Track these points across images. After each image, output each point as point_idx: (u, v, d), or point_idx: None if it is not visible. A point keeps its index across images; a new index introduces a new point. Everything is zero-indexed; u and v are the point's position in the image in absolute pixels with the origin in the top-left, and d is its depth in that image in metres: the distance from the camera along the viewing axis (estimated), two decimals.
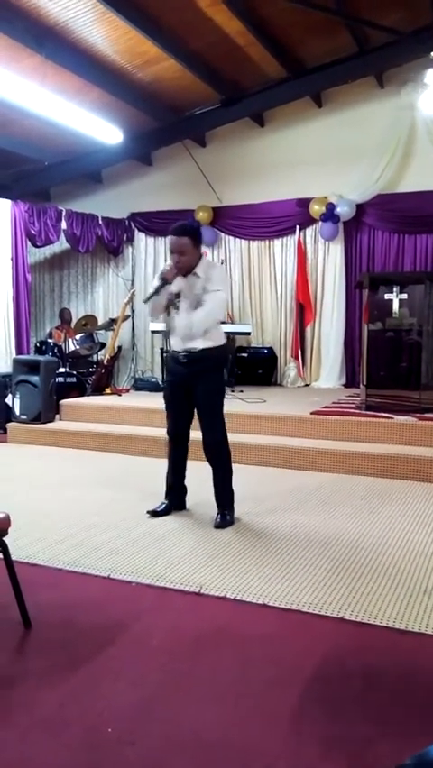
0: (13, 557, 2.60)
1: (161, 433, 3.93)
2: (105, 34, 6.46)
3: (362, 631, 2.60)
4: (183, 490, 4.14)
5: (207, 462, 3.97)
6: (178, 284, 3.81)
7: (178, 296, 3.82)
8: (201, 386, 3.86)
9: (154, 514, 4.02)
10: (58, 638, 2.54)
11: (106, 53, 6.85)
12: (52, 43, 6.37)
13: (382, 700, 2.12)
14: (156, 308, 3.88)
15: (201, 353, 3.82)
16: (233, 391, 7.60)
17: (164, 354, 5.67)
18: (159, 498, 4.10)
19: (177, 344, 3.89)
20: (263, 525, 3.88)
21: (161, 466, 4.07)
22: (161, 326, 4.61)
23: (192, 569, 3.20)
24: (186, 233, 3.73)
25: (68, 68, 6.76)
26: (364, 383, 6.18)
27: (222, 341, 3.95)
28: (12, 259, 7.79)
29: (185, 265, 3.75)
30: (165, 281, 3.71)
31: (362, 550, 3.47)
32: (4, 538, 2.55)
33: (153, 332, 8.77)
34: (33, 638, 2.55)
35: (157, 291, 3.74)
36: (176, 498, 4.12)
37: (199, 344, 3.81)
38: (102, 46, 6.70)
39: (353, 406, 6.28)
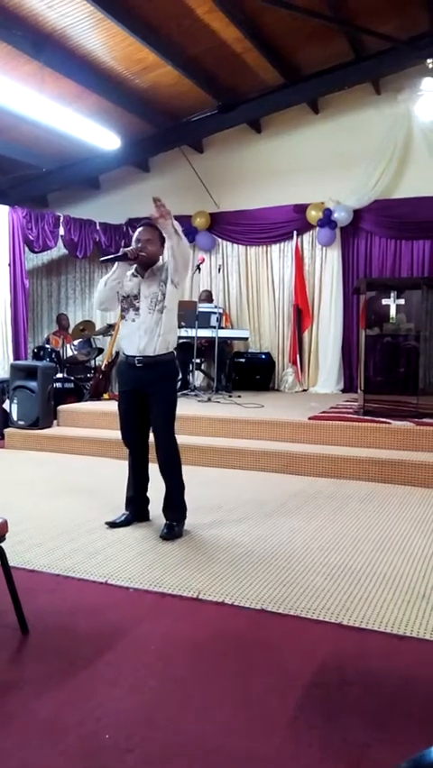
0: (11, 562, 2.59)
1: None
2: (103, 41, 6.49)
3: (360, 636, 2.59)
4: (145, 501, 4.06)
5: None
6: (136, 286, 3.77)
7: (136, 297, 3.76)
8: (157, 396, 3.77)
9: (113, 525, 3.93)
10: (55, 644, 2.53)
11: (104, 60, 6.88)
12: (50, 50, 6.40)
13: (380, 706, 2.12)
14: (105, 300, 3.82)
15: (156, 358, 3.73)
16: (230, 396, 7.61)
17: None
18: (157, 503, 4.08)
19: (131, 349, 3.77)
20: (261, 531, 3.87)
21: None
22: None
23: (190, 574, 3.19)
24: (155, 228, 3.74)
25: (66, 74, 6.79)
26: (362, 388, 6.19)
27: (175, 344, 3.87)
28: (9, 264, 7.79)
29: (148, 252, 3.71)
30: (125, 255, 3.67)
31: (360, 555, 3.47)
32: (1, 543, 2.54)
33: None
34: (31, 644, 2.54)
35: (115, 258, 3.70)
36: (138, 510, 4.02)
37: (154, 347, 3.71)
38: (100, 53, 6.73)
39: (350, 411, 6.28)
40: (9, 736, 1.96)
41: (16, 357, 7.83)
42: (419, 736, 1.95)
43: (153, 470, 3.95)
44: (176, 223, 3.57)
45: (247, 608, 2.83)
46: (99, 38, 6.43)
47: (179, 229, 3.60)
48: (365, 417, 5.87)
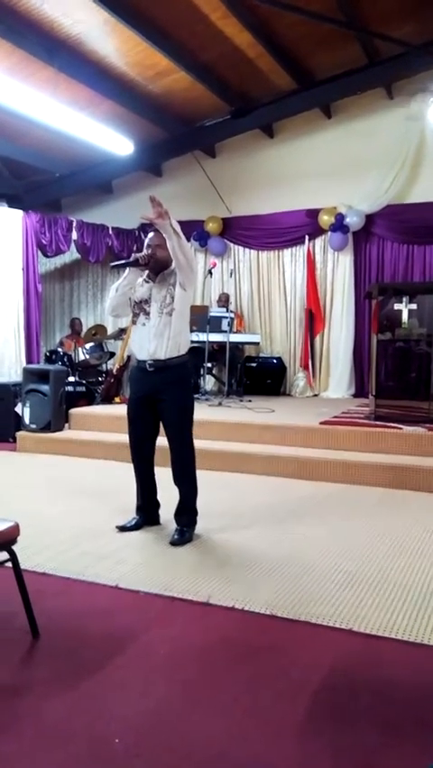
0: (22, 566, 2.60)
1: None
2: (117, 47, 6.54)
3: (371, 643, 2.58)
4: (155, 506, 4.06)
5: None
6: (147, 291, 3.77)
7: (146, 301, 3.76)
8: (170, 401, 3.74)
9: (123, 529, 3.93)
10: (65, 647, 2.53)
11: (118, 65, 6.93)
12: (65, 56, 6.46)
13: (391, 713, 2.11)
14: (117, 306, 3.83)
15: (167, 362, 3.71)
16: (241, 401, 7.61)
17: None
18: (168, 507, 4.08)
19: (143, 353, 3.76)
20: (272, 536, 3.87)
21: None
22: None
23: (200, 579, 3.19)
24: None
25: (79, 80, 6.85)
26: (373, 393, 6.16)
27: (187, 348, 3.83)
28: (23, 269, 7.84)
29: (159, 257, 3.71)
30: (136, 261, 3.69)
31: (371, 561, 3.45)
32: (12, 547, 2.55)
33: None
34: (41, 647, 2.55)
35: (126, 264, 3.73)
36: (148, 514, 4.03)
37: (165, 351, 3.69)
38: (113, 58, 6.78)
39: (362, 416, 6.26)
40: (19, 739, 1.96)
41: (29, 360, 7.87)
42: (430, 744, 1.94)
43: (162, 473, 3.95)
44: (175, 222, 3.56)
45: (257, 614, 2.82)
46: (113, 44, 6.48)
47: (178, 228, 3.58)
48: (377, 423, 5.85)
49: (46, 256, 8.65)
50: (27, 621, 2.59)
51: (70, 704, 2.14)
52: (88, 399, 7.89)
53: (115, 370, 8.14)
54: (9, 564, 2.56)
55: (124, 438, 4.01)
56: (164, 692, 2.22)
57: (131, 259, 3.74)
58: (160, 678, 2.31)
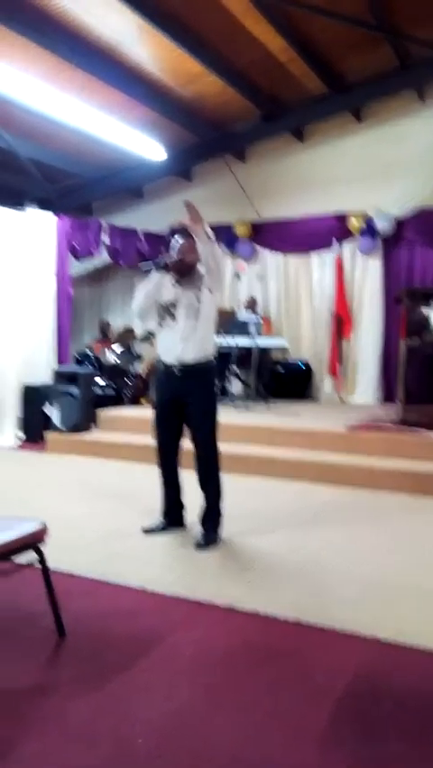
0: (49, 566, 2.65)
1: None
2: (151, 52, 6.59)
3: (393, 650, 2.57)
4: (181, 509, 4.08)
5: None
6: (174, 293, 3.80)
7: (174, 305, 3.78)
8: (195, 404, 3.77)
9: (149, 531, 3.97)
10: (91, 648, 2.57)
11: (151, 70, 6.99)
12: (98, 60, 6.53)
13: (413, 721, 2.10)
14: (146, 308, 3.87)
15: (194, 366, 3.74)
16: (267, 405, 7.60)
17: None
18: (194, 510, 4.10)
19: (170, 357, 3.79)
20: (296, 540, 3.87)
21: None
22: None
23: (224, 582, 3.21)
24: (191, 236, 3.76)
25: (112, 84, 6.90)
26: (401, 399, 6.12)
27: (213, 352, 3.85)
28: (56, 273, 7.92)
29: (187, 261, 3.76)
30: (165, 264, 3.75)
31: (394, 568, 3.43)
32: (41, 547, 2.60)
33: None
34: (67, 648, 2.59)
35: (154, 267, 3.78)
36: (173, 516, 4.06)
37: (192, 355, 3.73)
38: (146, 64, 6.84)
39: (388, 422, 6.22)
40: (43, 739, 2.00)
41: (59, 363, 7.96)
42: None
43: (188, 475, 3.97)
44: (208, 227, 3.60)
45: (280, 618, 2.83)
46: (147, 49, 6.54)
47: (211, 234, 3.62)
48: (403, 428, 5.80)
49: (77, 259, 8.73)
50: (54, 621, 2.64)
51: (95, 705, 2.17)
52: (116, 401, 7.96)
53: (143, 373, 8.20)
54: (37, 564, 2.61)
55: (151, 440, 4.05)
56: (188, 695, 2.24)
57: (159, 262, 3.79)
58: (183, 681, 2.33)
